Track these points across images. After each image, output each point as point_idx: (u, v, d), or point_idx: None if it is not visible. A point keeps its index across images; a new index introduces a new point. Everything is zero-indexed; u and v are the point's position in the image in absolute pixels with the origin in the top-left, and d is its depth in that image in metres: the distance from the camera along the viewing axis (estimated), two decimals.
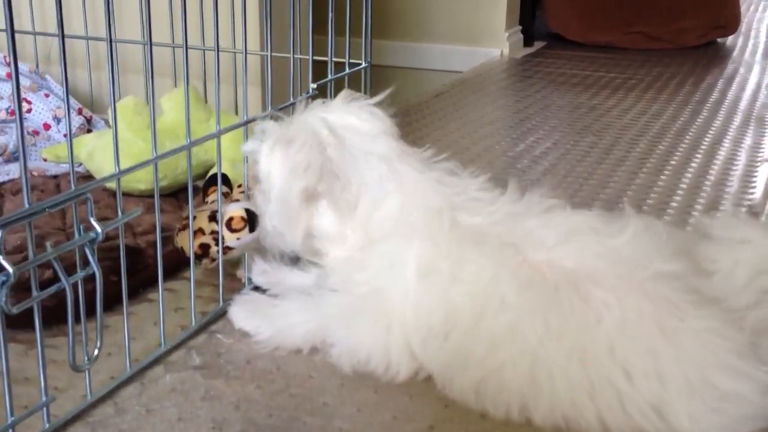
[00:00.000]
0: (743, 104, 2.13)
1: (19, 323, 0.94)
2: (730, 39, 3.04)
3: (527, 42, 2.91)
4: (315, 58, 1.15)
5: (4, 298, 0.67)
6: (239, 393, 0.86)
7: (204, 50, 1.50)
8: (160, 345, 0.92)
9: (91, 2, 1.63)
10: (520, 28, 2.88)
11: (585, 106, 2.10)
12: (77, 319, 0.76)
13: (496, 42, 2.74)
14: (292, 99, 1.09)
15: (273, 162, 0.93)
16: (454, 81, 2.41)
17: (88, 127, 1.57)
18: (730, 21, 2.92)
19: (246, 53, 1.04)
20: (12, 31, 0.66)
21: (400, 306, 0.87)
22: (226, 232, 1.00)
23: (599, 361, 0.78)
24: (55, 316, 0.86)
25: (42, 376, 0.75)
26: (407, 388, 0.87)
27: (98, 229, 0.76)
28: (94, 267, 0.77)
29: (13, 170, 1.43)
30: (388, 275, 0.89)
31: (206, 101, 1.48)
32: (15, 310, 0.68)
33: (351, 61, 1.26)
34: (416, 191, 0.91)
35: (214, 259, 1.03)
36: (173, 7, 1.51)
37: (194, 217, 1.02)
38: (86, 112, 1.59)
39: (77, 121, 1.54)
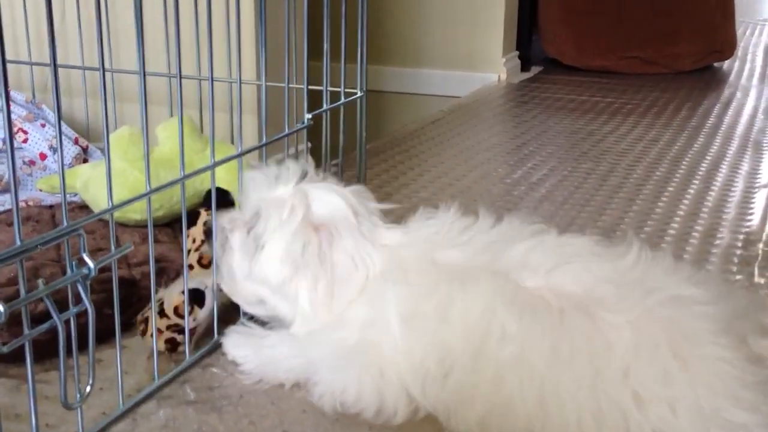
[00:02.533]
0: (740, 129, 2.13)
1: (11, 357, 0.94)
2: (726, 63, 3.06)
3: (524, 67, 2.92)
4: (310, 87, 1.15)
5: None
6: (232, 429, 0.85)
7: (199, 80, 1.50)
8: (152, 379, 0.91)
9: (88, 32, 1.64)
10: (517, 53, 2.89)
11: (582, 131, 2.10)
12: (69, 355, 0.75)
13: (493, 67, 2.75)
14: (287, 129, 1.09)
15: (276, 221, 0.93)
16: (451, 107, 2.42)
17: (84, 156, 1.57)
18: (726, 46, 2.94)
19: (240, 83, 1.03)
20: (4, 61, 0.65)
21: (391, 352, 0.86)
22: (178, 320, 0.97)
23: (610, 386, 0.76)
24: (47, 350, 0.85)
25: (33, 413, 0.74)
26: (400, 426, 0.86)
27: (91, 264, 0.76)
28: (87, 303, 0.76)
29: (9, 201, 1.43)
30: (370, 328, 0.88)
31: (202, 131, 1.48)
32: (6, 349, 0.68)
33: (347, 90, 1.25)
34: (388, 260, 0.93)
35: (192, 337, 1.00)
36: (169, 36, 1.51)
37: (146, 318, 1.00)
38: (82, 141, 1.58)
39: (73, 150, 1.54)
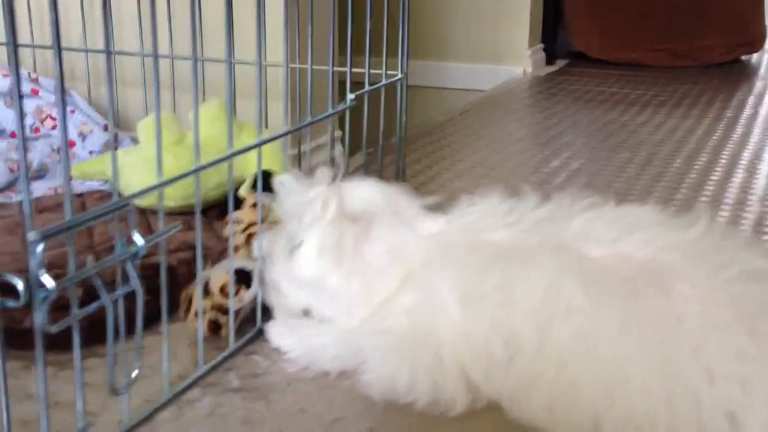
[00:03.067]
0: None
1: (47, 344, 0.91)
2: (755, 56, 3.00)
3: (549, 60, 2.88)
4: (353, 70, 1.11)
5: (44, 316, 0.63)
6: (281, 416, 0.81)
7: (242, 64, 1.47)
8: (196, 366, 0.88)
9: (90, 13, 1.60)
10: (543, 46, 2.85)
11: (615, 122, 2.06)
12: (114, 339, 0.71)
13: (519, 60, 2.71)
14: (330, 110, 1.05)
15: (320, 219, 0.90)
16: (478, 99, 2.38)
17: (115, 144, 1.53)
18: (757, 38, 2.89)
19: (287, 66, 1.00)
20: (15, 46, 0.62)
21: (449, 337, 0.82)
22: (224, 301, 0.94)
23: (681, 365, 0.72)
24: (86, 336, 0.81)
25: (80, 398, 0.71)
26: (458, 417, 0.82)
27: (140, 242, 0.72)
28: (135, 284, 0.72)
29: (38, 188, 1.40)
30: (422, 313, 0.85)
31: (236, 117, 1.44)
32: (54, 329, 0.64)
33: (388, 72, 1.22)
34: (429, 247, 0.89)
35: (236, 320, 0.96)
36: (206, 20, 1.48)
37: (189, 298, 0.96)
38: (110, 128, 1.55)
39: (103, 137, 1.51)
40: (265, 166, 1.25)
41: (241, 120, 1.39)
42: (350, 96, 1.12)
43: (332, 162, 0.97)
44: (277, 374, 0.89)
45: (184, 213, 1.24)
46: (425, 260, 0.87)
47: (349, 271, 0.88)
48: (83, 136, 1.51)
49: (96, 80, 1.68)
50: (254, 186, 1.11)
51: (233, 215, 0.93)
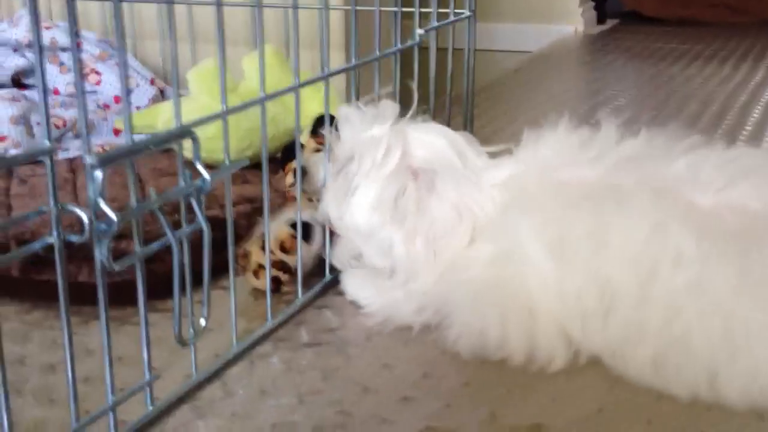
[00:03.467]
0: None
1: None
2: None
3: (600, 20, 2.76)
4: (421, 9, 1.02)
5: (107, 252, 0.55)
6: (364, 372, 0.73)
7: (285, 8, 1.38)
8: (264, 321, 0.80)
9: None
10: (593, 4, 2.73)
11: (681, 75, 1.94)
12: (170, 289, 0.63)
13: (570, 18, 2.60)
14: (398, 45, 0.96)
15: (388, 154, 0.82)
16: (532, 57, 2.28)
17: (161, 99, 1.46)
18: None
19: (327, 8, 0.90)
20: None
21: (540, 289, 0.73)
22: (284, 257, 0.86)
23: None
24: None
25: (146, 350, 0.63)
26: (559, 373, 0.73)
27: (206, 176, 0.64)
28: (202, 221, 0.64)
29: (81, 146, 1.33)
30: (506, 263, 0.76)
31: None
32: (117, 267, 0.56)
33: (455, 10, 1.13)
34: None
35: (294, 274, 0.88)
36: None
37: (249, 254, 0.89)
38: (159, 82, 1.48)
39: (150, 91, 1.43)
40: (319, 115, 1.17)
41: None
42: (419, 31, 1.03)
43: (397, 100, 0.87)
44: (353, 329, 0.81)
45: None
46: (499, 210, 0.79)
47: (412, 231, 0.80)
48: (129, 91, 1.43)
49: (140, 34, 1.61)
50: (314, 131, 1.03)
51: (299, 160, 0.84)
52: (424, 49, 1.02)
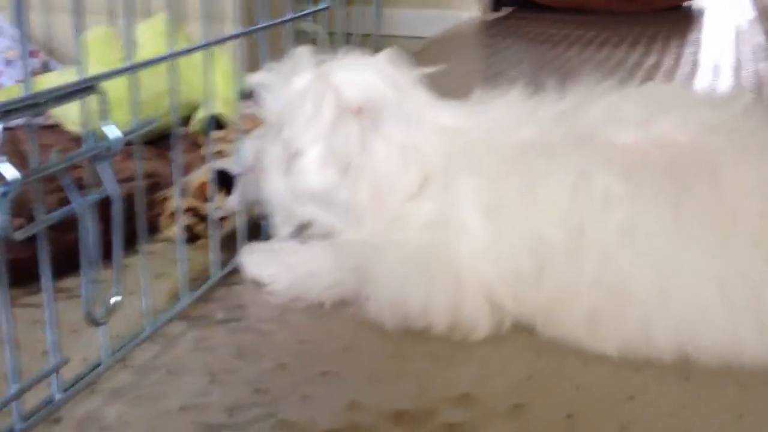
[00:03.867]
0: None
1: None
2: (695, 3, 2.97)
3: (496, 7, 2.79)
4: None
5: (6, 217, 0.49)
6: (281, 349, 0.69)
7: None
8: (174, 300, 0.75)
9: None
10: None
11: (577, 59, 1.98)
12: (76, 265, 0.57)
13: (466, 4, 2.61)
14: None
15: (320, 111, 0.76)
16: (431, 41, 2.27)
17: (45, 72, 1.37)
18: None
19: None
20: None
21: (471, 254, 0.71)
22: (201, 206, 0.81)
23: (741, 261, 0.63)
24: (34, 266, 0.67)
25: (52, 329, 0.57)
26: (489, 340, 0.71)
27: (117, 133, 0.59)
28: (112, 186, 0.59)
29: None
30: (442, 227, 0.73)
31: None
32: (19, 235, 0.51)
33: None
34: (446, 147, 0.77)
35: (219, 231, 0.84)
36: None
37: (165, 200, 0.83)
38: (42, 56, 1.38)
39: (32, 63, 1.34)
40: (224, 91, 1.12)
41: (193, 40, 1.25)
42: None
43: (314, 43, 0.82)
44: (268, 306, 0.77)
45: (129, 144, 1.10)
46: (445, 162, 0.75)
47: (357, 175, 0.75)
48: (8, 62, 1.34)
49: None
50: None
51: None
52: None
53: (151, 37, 1.21)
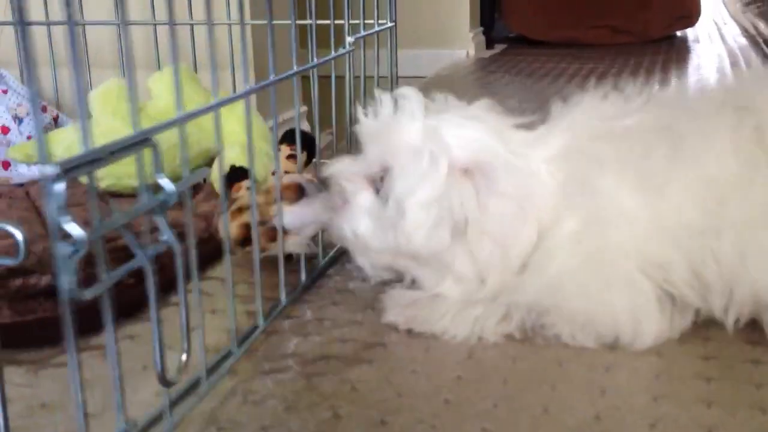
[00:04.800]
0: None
1: (18, 340, 0.75)
2: (690, 31, 3.00)
3: (489, 45, 2.80)
4: (336, 22, 0.96)
5: (75, 278, 0.47)
6: (332, 397, 0.66)
7: (193, 24, 1.31)
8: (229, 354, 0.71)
9: None
10: (482, 29, 2.77)
11: (582, 90, 1.97)
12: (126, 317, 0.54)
13: (462, 43, 2.62)
14: (334, 52, 0.90)
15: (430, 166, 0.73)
16: (429, 80, 2.27)
17: (55, 127, 1.34)
18: (693, 11, 2.88)
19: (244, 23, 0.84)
20: None
21: (637, 238, 0.69)
22: (266, 208, 0.80)
23: None
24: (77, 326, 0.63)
25: (119, 394, 0.54)
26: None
27: (170, 188, 0.56)
28: (170, 237, 0.56)
29: None
30: (596, 230, 0.71)
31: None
32: (88, 295, 0.48)
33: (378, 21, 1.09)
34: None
35: (263, 249, 0.82)
36: None
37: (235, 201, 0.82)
38: (51, 110, 1.36)
39: (42, 119, 1.31)
40: (241, 137, 1.10)
41: (207, 87, 1.23)
42: (350, 39, 0.97)
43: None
44: (309, 353, 0.74)
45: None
46: (566, 181, 0.73)
47: (476, 235, 0.72)
48: (19, 120, 1.31)
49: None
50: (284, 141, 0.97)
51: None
52: (323, 78, 0.96)
53: (165, 87, 1.19)
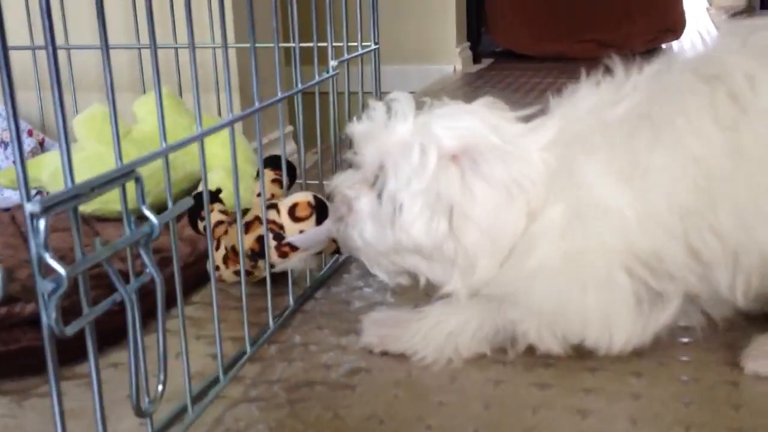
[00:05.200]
0: None
1: (3, 369, 0.75)
2: (675, 44, 3.02)
3: (475, 59, 2.82)
4: (319, 44, 0.97)
5: (55, 314, 0.47)
6: (314, 427, 0.66)
7: (177, 48, 1.32)
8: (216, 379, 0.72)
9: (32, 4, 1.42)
10: (469, 44, 2.79)
11: None
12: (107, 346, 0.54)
13: (449, 58, 2.64)
14: (318, 77, 0.91)
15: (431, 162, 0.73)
16: (416, 95, 2.28)
17: (41, 151, 1.34)
18: (678, 24, 2.91)
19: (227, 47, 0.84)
20: None
21: (621, 229, 0.68)
22: (287, 222, 0.80)
23: None
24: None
25: (101, 426, 0.54)
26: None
27: (154, 220, 0.57)
28: (153, 270, 0.57)
29: None
30: (579, 221, 0.69)
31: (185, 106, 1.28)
32: (69, 331, 0.48)
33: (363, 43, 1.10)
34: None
35: (272, 265, 0.83)
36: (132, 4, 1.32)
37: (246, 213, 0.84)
38: (37, 134, 1.36)
39: (28, 143, 1.32)
40: (225, 161, 1.10)
41: (192, 110, 1.23)
42: (333, 63, 0.98)
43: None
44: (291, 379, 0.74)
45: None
46: (557, 169, 0.72)
47: (462, 220, 0.72)
48: (5, 144, 1.31)
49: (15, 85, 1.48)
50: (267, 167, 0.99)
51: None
52: (308, 95, 0.96)
53: (150, 111, 1.20)
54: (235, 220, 0.87)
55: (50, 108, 1.45)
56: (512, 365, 0.74)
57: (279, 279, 0.87)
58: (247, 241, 0.83)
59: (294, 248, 0.81)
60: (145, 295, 0.60)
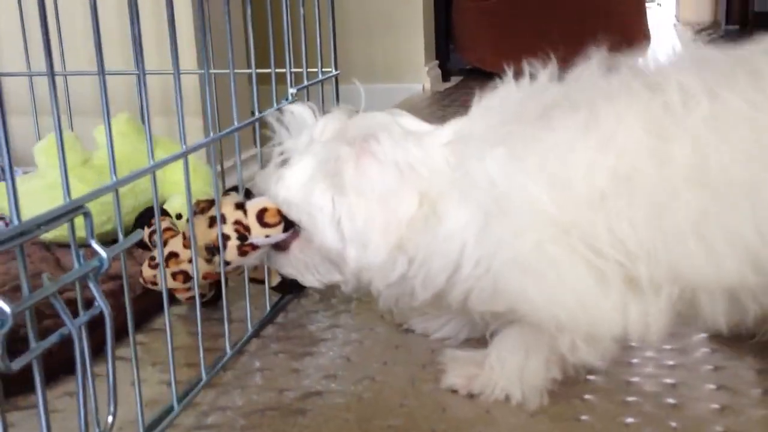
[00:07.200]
0: None
1: None
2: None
3: (444, 78, 2.85)
4: (277, 70, 0.99)
5: (1, 351, 0.48)
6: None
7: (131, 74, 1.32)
8: (171, 408, 0.73)
9: None
10: (438, 62, 2.82)
11: None
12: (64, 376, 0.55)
13: (417, 77, 2.66)
14: (276, 104, 0.92)
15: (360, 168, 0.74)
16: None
17: (2, 178, 1.35)
18: (641, 39, 2.96)
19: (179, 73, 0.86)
20: None
21: (542, 213, 0.67)
22: (255, 225, 0.81)
23: None
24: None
25: None
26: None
27: (103, 254, 0.58)
28: (102, 303, 0.58)
29: None
30: (493, 227, 0.69)
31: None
32: (15, 367, 0.49)
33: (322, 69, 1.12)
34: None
35: (228, 262, 0.84)
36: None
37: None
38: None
39: None
40: (181, 186, 1.12)
41: (155, 135, 1.24)
42: (292, 90, 1.00)
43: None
44: (248, 405, 0.76)
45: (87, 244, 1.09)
46: (460, 164, 0.73)
47: (354, 195, 0.73)
48: None
49: None
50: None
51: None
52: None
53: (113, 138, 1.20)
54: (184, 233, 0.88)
55: (12, 132, 1.46)
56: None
57: (236, 304, 0.88)
58: (209, 235, 0.83)
59: (255, 247, 0.82)
60: (100, 324, 0.61)
